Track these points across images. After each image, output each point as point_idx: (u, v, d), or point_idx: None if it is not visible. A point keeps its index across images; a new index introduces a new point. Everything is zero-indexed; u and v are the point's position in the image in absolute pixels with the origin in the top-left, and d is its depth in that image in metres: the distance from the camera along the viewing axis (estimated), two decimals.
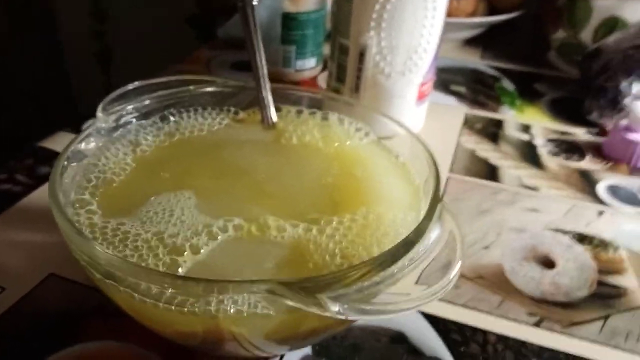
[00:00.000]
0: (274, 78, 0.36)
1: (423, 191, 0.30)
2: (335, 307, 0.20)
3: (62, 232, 0.24)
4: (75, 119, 0.49)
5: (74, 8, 1.25)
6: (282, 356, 0.30)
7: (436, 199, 0.26)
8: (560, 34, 0.68)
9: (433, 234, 0.24)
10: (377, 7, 0.44)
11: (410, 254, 0.23)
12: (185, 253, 0.24)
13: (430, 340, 0.32)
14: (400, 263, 0.22)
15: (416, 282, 0.30)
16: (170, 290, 0.21)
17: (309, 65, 0.60)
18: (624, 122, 0.52)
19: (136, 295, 0.22)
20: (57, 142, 0.47)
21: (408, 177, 0.32)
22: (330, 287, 0.21)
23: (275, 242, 0.26)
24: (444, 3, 0.46)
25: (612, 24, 0.63)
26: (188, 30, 1.19)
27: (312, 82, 0.62)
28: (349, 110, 0.36)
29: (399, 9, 0.44)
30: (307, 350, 0.30)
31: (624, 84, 0.54)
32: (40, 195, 0.40)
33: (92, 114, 0.32)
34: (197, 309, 0.21)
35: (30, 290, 0.33)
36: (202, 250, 0.25)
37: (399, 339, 0.31)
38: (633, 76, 0.54)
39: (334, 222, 0.27)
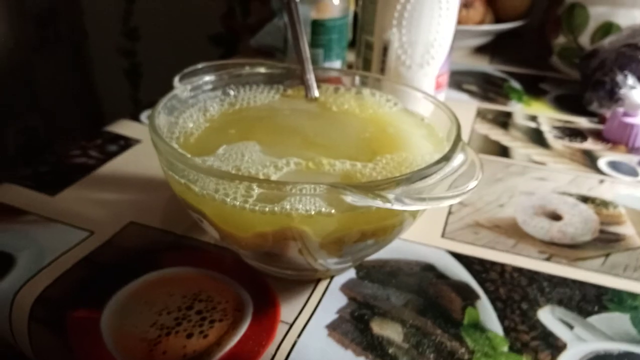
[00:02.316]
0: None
1: (447, 142, 0.36)
2: (392, 197, 0.26)
3: (161, 160, 0.30)
4: (135, 108, 0.56)
5: (105, 26, 1.34)
6: (331, 278, 0.36)
7: (459, 137, 0.32)
8: (560, 40, 0.74)
9: (458, 158, 0.30)
10: (399, 7, 0.51)
11: (443, 170, 0.29)
12: (260, 177, 0.31)
13: (455, 269, 0.37)
14: (435, 176, 0.28)
15: None
16: (254, 193, 0.27)
17: (334, 66, 0.67)
18: (621, 109, 0.58)
19: (228, 199, 0.28)
20: (120, 126, 0.54)
21: (433, 132, 0.38)
22: (382, 187, 0.26)
23: (328, 173, 0.32)
24: (456, 2, 0.52)
25: (607, 28, 0.70)
26: (212, 48, 1.28)
27: (338, 80, 0.68)
28: (379, 86, 0.43)
29: (417, 8, 0.51)
30: (352, 274, 0.36)
31: (619, 77, 0.61)
32: (112, 166, 0.47)
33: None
34: (276, 209, 0.27)
35: (114, 234, 0.39)
36: (272, 177, 0.31)
37: (428, 268, 0.37)
38: (627, 70, 0.61)
39: (374, 161, 0.33)
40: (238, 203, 0.28)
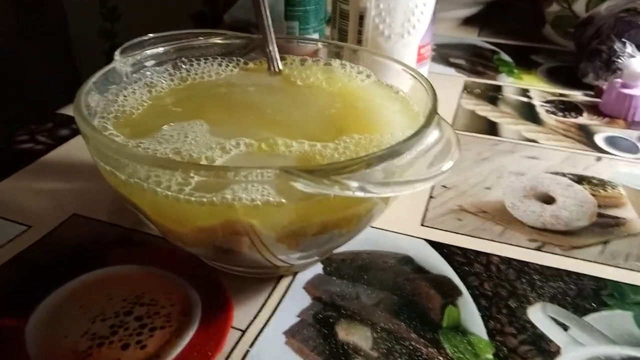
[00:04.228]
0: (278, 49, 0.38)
1: (423, 117, 0.32)
2: (353, 184, 0.21)
3: (87, 142, 0.26)
4: None
5: (84, 7, 1.28)
6: (295, 275, 0.31)
7: (434, 110, 0.28)
8: (554, 8, 0.70)
9: (432, 135, 0.26)
10: None
11: (413, 149, 0.24)
12: (202, 162, 0.26)
13: (435, 261, 0.33)
14: (405, 156, 0.24)
15: None
16: (191, 180, 0.23)
17: None
18: (619, 80, 0.54)
19: (159, 190, 0.23)
20: None
21: (407, 106, 0.33)
22: (342, 172, 0.22)
23: (283, 155, 0.27)
24: None
25: None
26: (194, 27, 1.23)
27: (314, 55, 0.64)
28: (355, 57, 0.38)
29: None
30: (319, 269, 0.32)
31: (617, 45, 0.56)
32: (61, 152, 0.42)
33: None
34: (215, 199, 0.23)
35: (54, 227, 0.34)
36: (216, 161, 0.26)
37: (405, 261, 0.33)
38: (625, 37, 0.56)
39: (337, 140, 0.29)
40: (171, 193, 0.23)
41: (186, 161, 0.25)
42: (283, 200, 0.23)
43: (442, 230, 0.36)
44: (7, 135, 0.45)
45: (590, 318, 0.29)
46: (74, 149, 0.43)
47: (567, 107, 0.55)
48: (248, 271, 0.31)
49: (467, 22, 0.79)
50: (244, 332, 0.27)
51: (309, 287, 0.31)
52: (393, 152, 0.24)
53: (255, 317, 0.28)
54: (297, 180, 0.22)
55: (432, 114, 0.27)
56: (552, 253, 0.34)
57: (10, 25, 1.06)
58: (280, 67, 0.37)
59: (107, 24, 1.32)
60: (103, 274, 0.31)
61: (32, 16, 1.11)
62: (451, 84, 0.59)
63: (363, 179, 0.22)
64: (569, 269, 0.33)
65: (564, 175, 0.43)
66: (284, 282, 0.31)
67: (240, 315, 0.28)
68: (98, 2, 1.29)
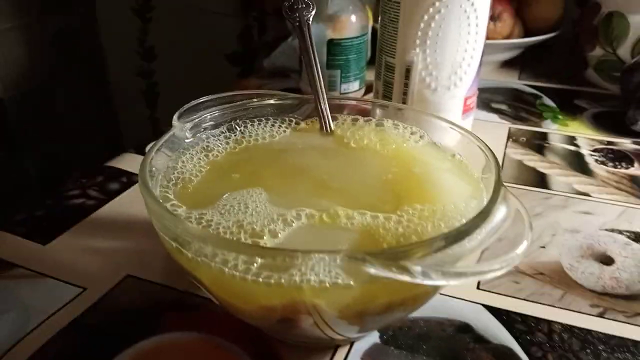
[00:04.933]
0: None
1: (482, 183, 0.31)
2: (420, 271, 0.21)
3: (152, 217, 0.26)
4: (138, 142, 0.52)
5: (122, 47, 1.32)
6: (352, 344, 0.31)
7: (499, 182, 0.27)
8: (597, 52, 0.69)
9: (500, 212, 0.25)
10: (422, 24, 0.46)
11: (481, 230, 0.24)
12: (265, 237, 0.26)
13: (495, 329, 0.32)
14: (472, 238, 0.24)
15: None
16: (258, 261, 0.23)
17: (352, 88, 0.63)
18: None
19: (226, 269, 0.23)
20: (123, 161, 0.50)
21: (466, 171, 0.33)
22: (409, 256, 0.22)
23: (346, 228, 0.27)
24: (485, 18, 0.48)
25: None
26: (229, 67, 1.25)
27: (362, 109, 0.64)
28: (400, 116, 0.38)
29: (443, 26, 0.46)
30: (375, 338, 0.31)
31: None
32: (112, 207, 0.43)
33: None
34: (283, 280, 0.23)
35: (109, 290, 0.35)
36: (279, 235, 0.26)
37: (464, 329, 0.32)
38: None
39: (399, 211, 0.28)
40: (238, 273, 0.23)
41: (254, 244, 0.25)
42: (351, 283, 0.23)
43: (500, 294, 0.35)
44: (57, 189, 0.46)
45: None
46: (125, 204, 0.44)
47: (617, 157, 0.53)
48: (305, 342, 0.31)
49: (507, 64, 0.79)
50: None
51: (367, 358, 0.30)
52: (462, 234, 0.23)
53: None
54: (366, 265, 0.22)
55: (498, 187, 0.27)
56: (615, 320, 0.33)
57: (48, 62, 1.10)
58: (333, 127, 0.38)
59: (144, 63, 1.35)
60: (159, 341, 0.31)
61: (69, 53, 1.15)
62: (495, 132, 0.58)
63: (432, 266, 0.22)
64: (634, 338, 0.32)
65: (620, 232, 0.41)
66: (341, 352, 0.30)
67: None
68: (136, 42, 1.33)
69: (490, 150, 0.31)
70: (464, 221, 0.26)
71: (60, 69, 1.14)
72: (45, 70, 1.10)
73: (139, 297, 0.34)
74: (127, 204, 0.44)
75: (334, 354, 0.30)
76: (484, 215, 0.24)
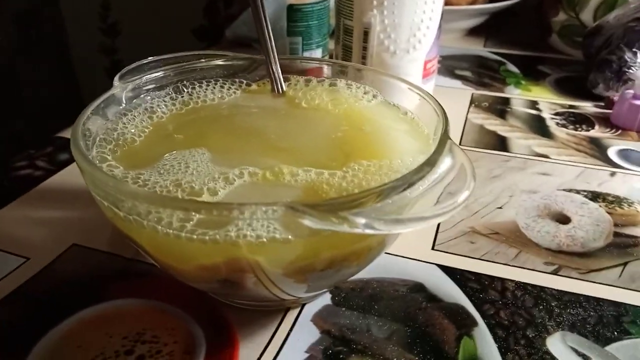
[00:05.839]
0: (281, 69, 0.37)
1: (433, 139, 0.30)
2: (361, 221, 0.20)
3: (85, 177, 0.24)
4: None
5: (85, 23, 1.28)
6: (302, 306, 0.30)
7: (446, 134, 0.26)
8: (560, 17, 0.68)
9: (444, 163, 0.25)
10: None
11: (424, 180, 0.23)
12: (204, 195, 0.25)
13: (448, 289, 0.32)
14: (416, 187, 0.23)
15: None
16: (193, 217, 0.22)
17: (315, 56, 0.61)
18: (630, 91, 0.53)
19: (160, 227, 0.22)
20: None
21: (417, 129, 0.32)
22: (350, 206, 0.21)
23: (289, 185, 0.26)
24: None
25: (611, 2, 0.64)
26: (195, 42, 1.22)
27: (319, 71, 0.63)
28: (359, 77, 0.37)
29: None
30: (327, 300, 0.31)
31: (627, 55, 0.55)
32: (61, 178, 0.41)
33: None
34: (218, 237, 0.22)
35: (54, 259, 0.33)
36: (219, 193, 0.25)
37: (417, 288, 0.32)
38: (636, 47, 0.55)
39: (345, 168, 0.27)
40: (172, 231, 0.22)
41: (187, 199, 0.24)
42: (290, 237, 0.22)
43: (454, 254, 0.35)
44: (5, 160, 0.44)
45: (613, 348, 0.28)
46: (75, 174, 0.42)
47: (578, 120, 0.53)
48: (253, 304, 0.30)
49: (472, 32, 0.78)
50: None
51: (318, 319, 0.29)
52: (404, 184, 0.23)
53: (262, 354, 0.27)
54: (304, 217, 0.21)
55: (444, 139, 0.26)
56: (569, 277, 0.33)
57: (9, 41, 1.06)
58: (284, 88, 0.36)
59: (107, 39, 1.31)
60: (103, 309, 0.30)
61: (32, 32, 1.11)
62: (458, 98, 0.58)
63: (373, 215, 0.21)
64: (587, 294, 0.32)
65: (577, 192, 0.41)
66: (291, 315, 0.30)
67: (246, 352, 0.27)
68: (98, 18, 1.29)
69: (440, 106, 0.30)
70: None
71: (22, 48, 1.11)
72: (8, 49, 1.06)
73: (84, 266, 0.33)
74: (77, 174, 0.42)
75: (284, 317, 0.30)
76: (427, 165, 0.24)
